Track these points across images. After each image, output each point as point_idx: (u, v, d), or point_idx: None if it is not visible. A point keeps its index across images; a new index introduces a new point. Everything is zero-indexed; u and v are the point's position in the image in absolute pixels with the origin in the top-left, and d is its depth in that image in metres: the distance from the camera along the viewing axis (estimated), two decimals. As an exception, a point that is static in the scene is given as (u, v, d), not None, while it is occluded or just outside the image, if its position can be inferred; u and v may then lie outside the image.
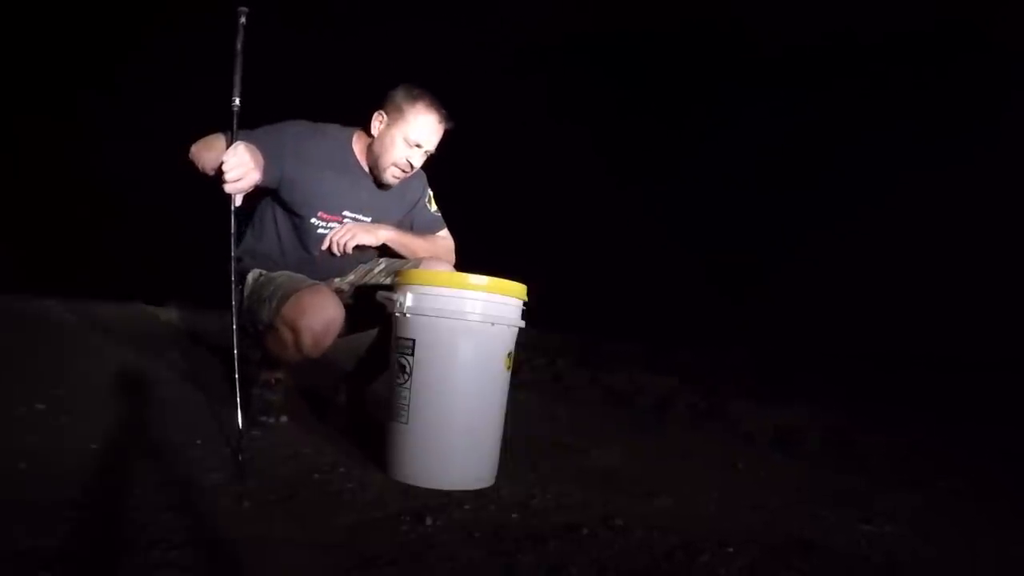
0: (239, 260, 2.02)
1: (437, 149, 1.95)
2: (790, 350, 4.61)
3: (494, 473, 1.66)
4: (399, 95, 1.89)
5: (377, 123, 1.91)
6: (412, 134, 1.86)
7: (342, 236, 1.90)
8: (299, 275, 1.94)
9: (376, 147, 1.91)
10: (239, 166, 1.68)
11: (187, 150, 1.81)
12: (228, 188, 1.69)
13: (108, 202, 5.41)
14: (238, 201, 1.74)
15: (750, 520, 1.58)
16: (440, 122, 1.89)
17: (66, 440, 1.57)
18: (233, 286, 1.74)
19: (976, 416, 3.14)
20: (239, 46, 1.71)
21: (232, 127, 1.72)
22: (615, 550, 1.29)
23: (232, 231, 1.75)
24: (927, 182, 5.31)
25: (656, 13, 6.01)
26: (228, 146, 1.70)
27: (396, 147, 1.88)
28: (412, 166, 1.90)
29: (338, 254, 1.93)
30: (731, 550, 1.32)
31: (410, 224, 2.10)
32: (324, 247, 1.93)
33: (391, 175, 1.91)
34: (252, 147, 1.73)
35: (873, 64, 5.83)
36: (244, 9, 1.71)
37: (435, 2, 6.07)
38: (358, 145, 1.97)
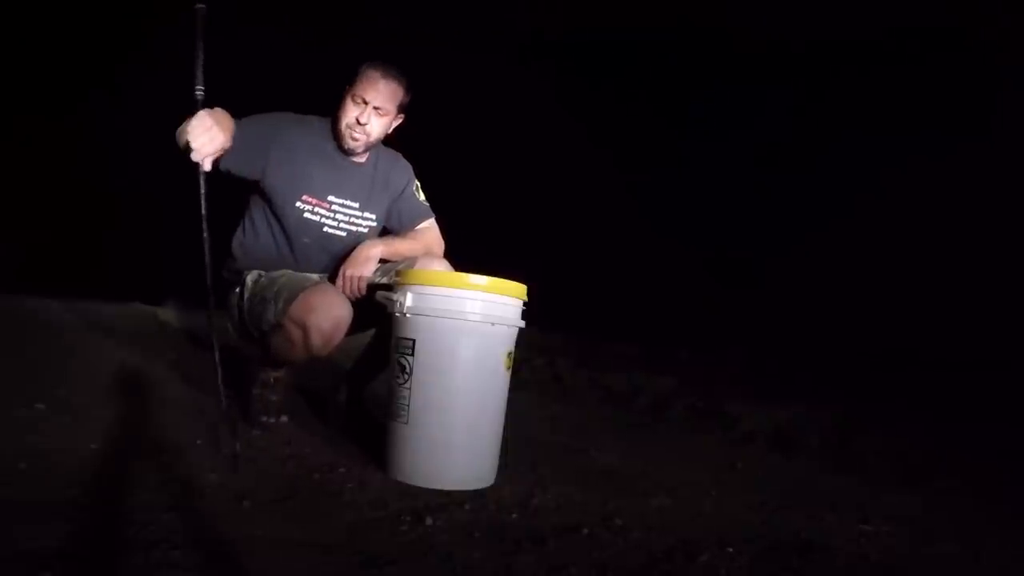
0: (233, 259, 2.02)
1: (407, 118, 2.00)
2: (788, 350, 4.61)
3: (494, 473, 1.67)
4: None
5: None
6: (358, 91, 1.91)
7: (353, 284, 1.90)
8: (300, 274, 1.95)
9: (337, 117, 1.96)
10: (201, 130, 1.64)
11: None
12: (195, 156, 1.64)
13: (108, 202, 5.40)
14: (206, 166, 1.68)
15: (749, 520, 1.58)
16: (383, 76, 1.91)
17: (66, 440, 1.57)
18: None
19: (974, 415, 3.14)
20: (199, 39, 1.68)
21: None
22: (615, 550, 1.30)
23: (203, 210, 1.65)
24: (925, 181, 5.31)
25: (652, 9, 6.00)
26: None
27: (346, 108, 1.93)
28: (359, 122, 1.92)
29: (355, 296, 1.92)
30: (730, 550, 1.32)
31: (398, 213, 2.12)
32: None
33: (348, 137, 1.95)
34: (219, 111, 1.72)
35: (872, 62, 5.82)
36: (202, 7, 1.69)
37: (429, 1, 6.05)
38: (336, 132, 2.01)
